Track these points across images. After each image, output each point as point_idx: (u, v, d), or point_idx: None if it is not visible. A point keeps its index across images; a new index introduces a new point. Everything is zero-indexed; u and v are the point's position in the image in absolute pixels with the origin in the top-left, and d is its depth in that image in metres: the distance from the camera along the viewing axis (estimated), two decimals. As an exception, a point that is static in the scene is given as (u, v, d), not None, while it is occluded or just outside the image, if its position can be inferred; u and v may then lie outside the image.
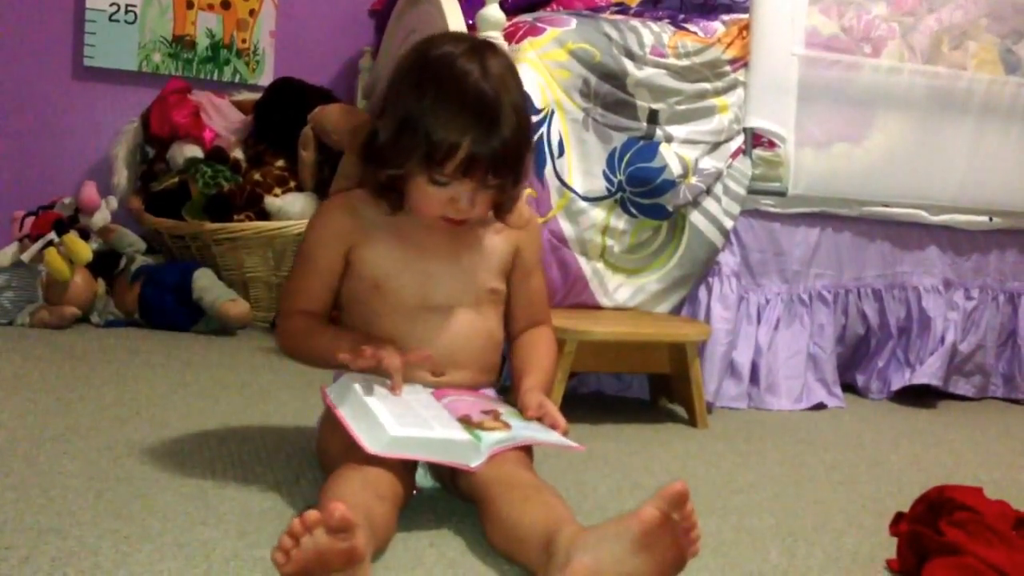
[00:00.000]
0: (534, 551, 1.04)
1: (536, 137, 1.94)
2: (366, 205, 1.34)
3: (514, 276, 1.42)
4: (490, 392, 1.39)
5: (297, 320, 1.36)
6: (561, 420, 1.27)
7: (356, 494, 1.08)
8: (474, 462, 1.17)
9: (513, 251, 1.40)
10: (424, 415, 1.20)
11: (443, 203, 1.27)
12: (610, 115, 2.04)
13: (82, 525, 1.11)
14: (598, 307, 2.07)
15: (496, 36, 1.93)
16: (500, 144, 1.22)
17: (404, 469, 1.20)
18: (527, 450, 1.29)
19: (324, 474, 1.31)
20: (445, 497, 1.31)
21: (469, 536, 1.18)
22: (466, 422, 1.22)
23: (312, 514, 0.91)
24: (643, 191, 2.06)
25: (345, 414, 1.20)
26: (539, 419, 1.28)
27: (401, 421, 1.16)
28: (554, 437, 1.24)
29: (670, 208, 2.09)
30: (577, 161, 2.02)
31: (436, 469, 1.30)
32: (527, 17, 2.11)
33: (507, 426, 1.23)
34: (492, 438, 1.19)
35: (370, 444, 1.14)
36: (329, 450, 1.31)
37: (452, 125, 1.22)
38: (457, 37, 1.36)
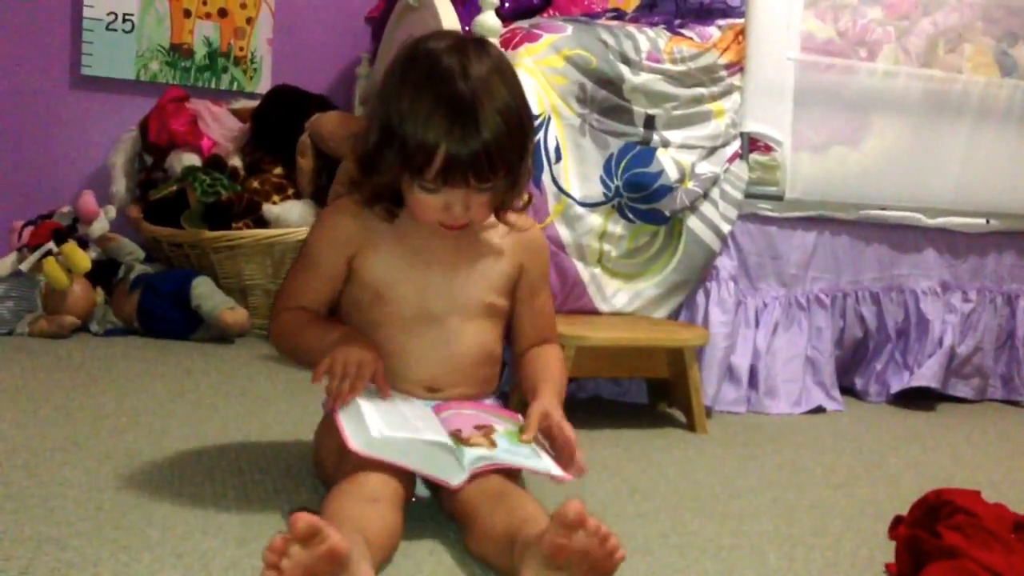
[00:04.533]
0: (505, 556, 1.05)
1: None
2: (371, 210, 1.31)
3: (519, 294, 1.39)
4: (490, 401, 1.38)
5: (290, 315, 1.33)
6: (570, 433, 1.24)
7: (347, 505, 1.08)
8: (456, 480, 1.16)
9: (517, 270, 1.38)
10: (415, 424, 1.20)
11: (438, 209, 1.24)
12: (607, 121, 2.05)
13: (81, 535, 1.11)
14: (596, 312, 2.07)
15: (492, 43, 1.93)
16: (480, 147, 1.16)
17: (400, 470, 1.19)
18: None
19: (322, 484, 1.32)
20: (444, 504, 1.31)
21: (468, 543, 1.18)
22: (455, 436, 1.21)
23: (277, 539, 0.90)
24: (640, 196, 2.06)
25: (340, 414, 1.20)
26: (546, 436, 1.26)
27: (388, 423, 1.17)
28: (539, 464, 1.20)
29: (667, 213, 2.09)
30: (574, 167, 2.02)
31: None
32: (523, 23, 2.12)
33: (493, 445, 1.21)
34: (473, 454, 1.18)
35: (354, 441, 1.15)
36: (323, 458, 1.31)
37: (427, 130, 1.16)
38: (444, 35, 1.32)
